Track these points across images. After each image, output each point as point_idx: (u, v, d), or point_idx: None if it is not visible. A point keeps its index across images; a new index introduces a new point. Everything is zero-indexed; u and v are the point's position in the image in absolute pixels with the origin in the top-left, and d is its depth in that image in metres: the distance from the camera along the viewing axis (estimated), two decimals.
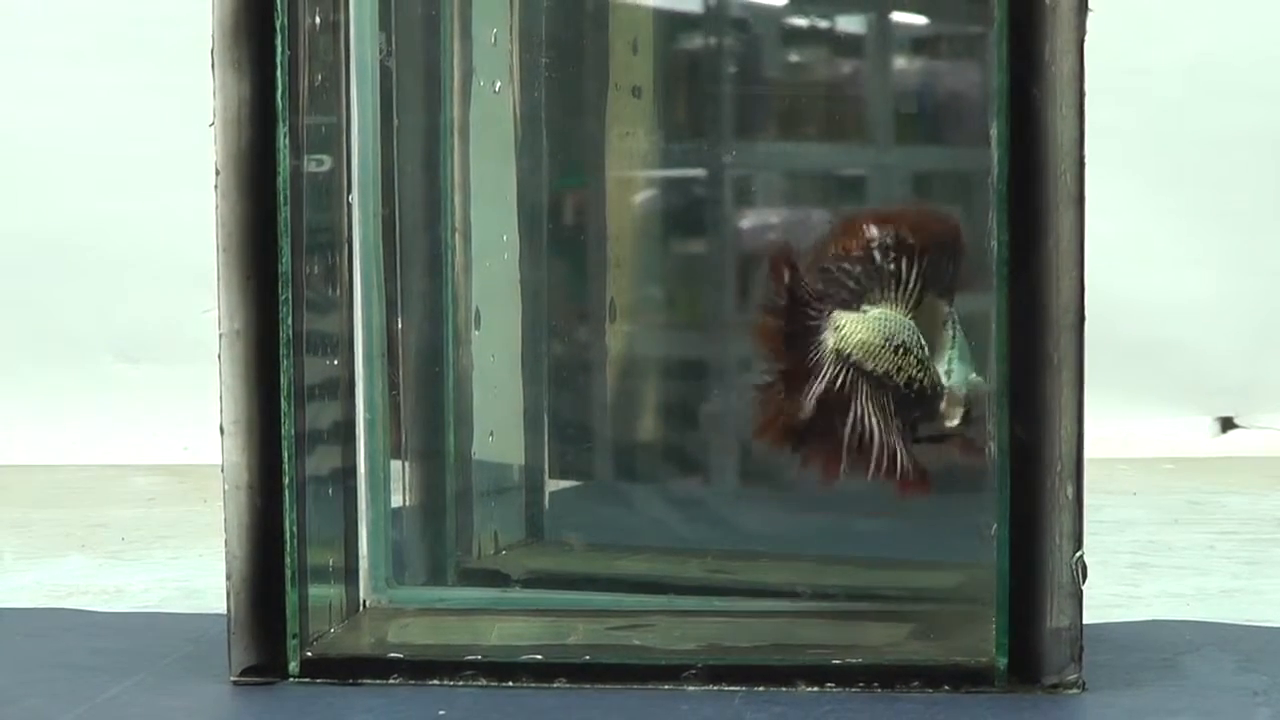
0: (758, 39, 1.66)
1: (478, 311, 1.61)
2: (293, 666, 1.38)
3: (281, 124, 1.35)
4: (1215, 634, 1.47)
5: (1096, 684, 1.32)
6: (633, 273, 1.67)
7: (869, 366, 1.39)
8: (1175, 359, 2.50)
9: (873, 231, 1.38)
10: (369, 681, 1.37)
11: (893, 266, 1.38)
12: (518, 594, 1.57)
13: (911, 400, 1.39)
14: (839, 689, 1.33)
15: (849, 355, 1.39)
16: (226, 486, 1.37)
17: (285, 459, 1.36)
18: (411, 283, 1.57)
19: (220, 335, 1.36)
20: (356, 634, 1.47)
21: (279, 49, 1.34)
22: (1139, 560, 1.83)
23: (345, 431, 1.49)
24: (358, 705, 1.33)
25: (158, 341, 2.56)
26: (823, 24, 1.65)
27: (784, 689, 1.33)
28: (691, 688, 1.34)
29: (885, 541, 1.57)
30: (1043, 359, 1.29)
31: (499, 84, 1.62)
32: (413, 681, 1.37)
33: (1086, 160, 1.29)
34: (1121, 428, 2.45)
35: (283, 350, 1.36)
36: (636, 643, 1.42)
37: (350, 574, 1.49)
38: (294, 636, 1.37)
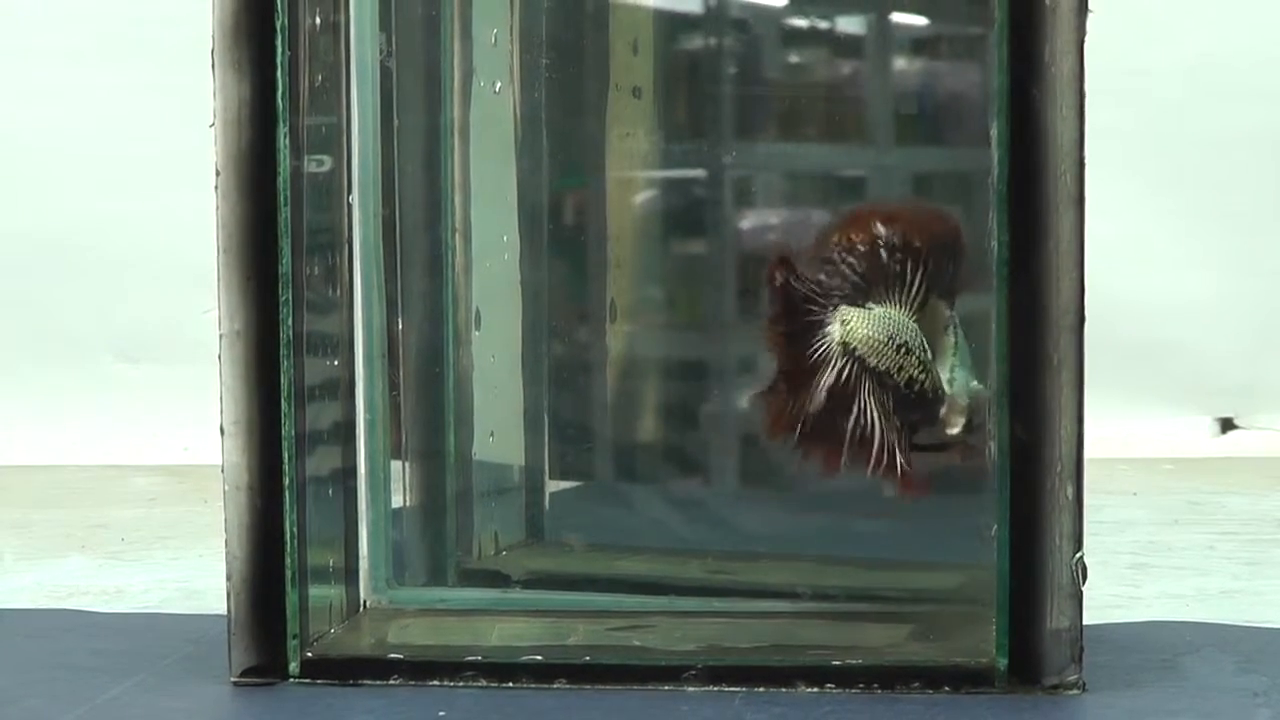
0: (758, 40, 1.67)
1: (478, 312, 1.61)
2: (293, 667, 1.38)
3: (282, 125, 1.35)
4: (1215, 635, 1.47)
5: (1096, 685, 1.32)
6: (633, 273, 1.67)
7: (872, 363, 1.39)
8: (1175, 360, 2.51)
9: (880, 229, 1.38)
10: (369, 682, 1.37)
11: (898, 267, 1.38)
12: (518, 595, 1.57)
13: (912, 401, 1.39)
14: (839, 690, 1.33)
15: (854, 349, 1.39)
16: (227, 487, 1.37)
17: (285, 460, 1.36)
18: (412, 283, 1.57)
19: (220, 336, 1.36)
20: (357, 635, 1.47)
21: (279, 50, 1.34)
22: (1139, 561, 1.83)
23: (345, 432, 1.49)
24: (358, 706, 1.33)
25: (158, 342, 2.56)
26: (823, 25, 1.65)
27: (784, 690, 1.33)
28: (692, 688, 1.34)
29: (885, 542, 1.57)
30: (1043, 359, 1.30)
31: (499, 84, 1.62)
32: (413, 682, 1.37)
33: (1086, 161, 1.29)
34: (1122, 428, 2.45)
35: (283, 351, 1.36)
36: (637, 643, 1.42)
37: (350, 574, 1.49)
38: (294, 637, 1.37)
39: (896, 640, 1.42)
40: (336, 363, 1.47)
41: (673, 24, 1.67)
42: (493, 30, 1.61)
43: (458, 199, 1.60)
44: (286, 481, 1.36)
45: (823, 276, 1.40)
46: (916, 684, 1.33)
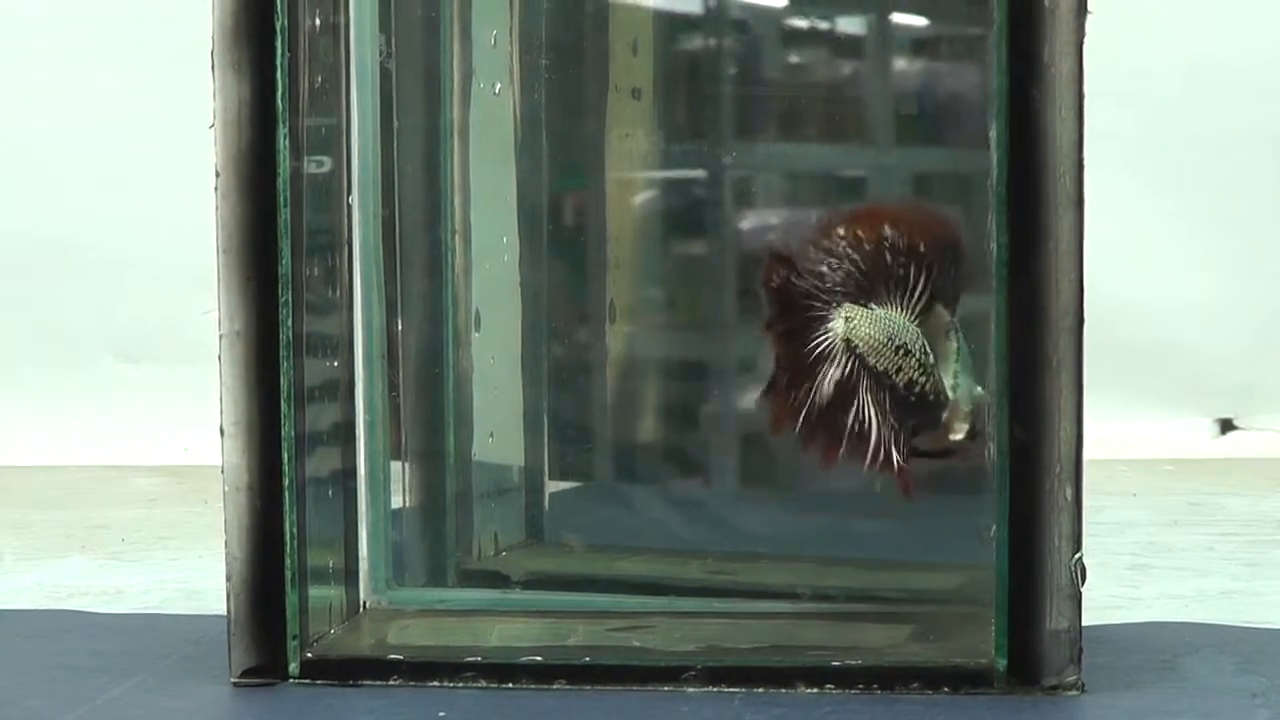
0: (758, 40, 1.67)
1: (478, 313, 1.61)
2: (293, 668, 1.38)
3: (281, 125, 1.35)
4: (1215, 636, 1.47)
5: (1096, 685, 1.32)
6: (632, 274, 1.67)
7: (871, 362, 1.39)
8: (1175, 361, 2.51)
9: (887, 231, 1.38)
10: (369, 683, 1.37)
11: (901, 271, 1.38)
12: (518, 595, 1.57)
13: (912, 404, 1.39)
14: (839, 690, 1.33)
15: (855, 347, 1.39)
16: (227, 488, 1.37)
17: (285, 460, 1.36)
18: (411, 284, 1.57)
19: (220, 336, 1.36)
20: (356, 635, 1.47)
21: (279, 51, 1.34)
22: (1138, 562, 1.83)
23: (345, 433, 1.49)
24: (358, 706, 1.33)
25: (158, 342, 2.56)
26: (823, 25, 1.65)
27: (784, 690, 1.33)
28: (691, 689, 1.34)
29: (885, 543, 1.57)
30: (1042, 360, 1.30)
31: (499, 86, 1.62)
32: (413, 683, 1.37)
33: (1086, 162, 1.29)
34: (1121, 429, 2.45)
35: (283, 352, 1.36)
36: (636, 644, 1.42)
37: (350, 575, 1.49)
38: (294, 638, 1.38)
39: (896, 641, 1.42)
40: (336, 364, 1.47)
41: (672, 25, 1.67)
42: (492, 31, 1.61)
43: (457, 200, 1.60)
44: (286, 482, 1.36)
45: (825, 269, 1.40)
46: (916, 685, 1.33)
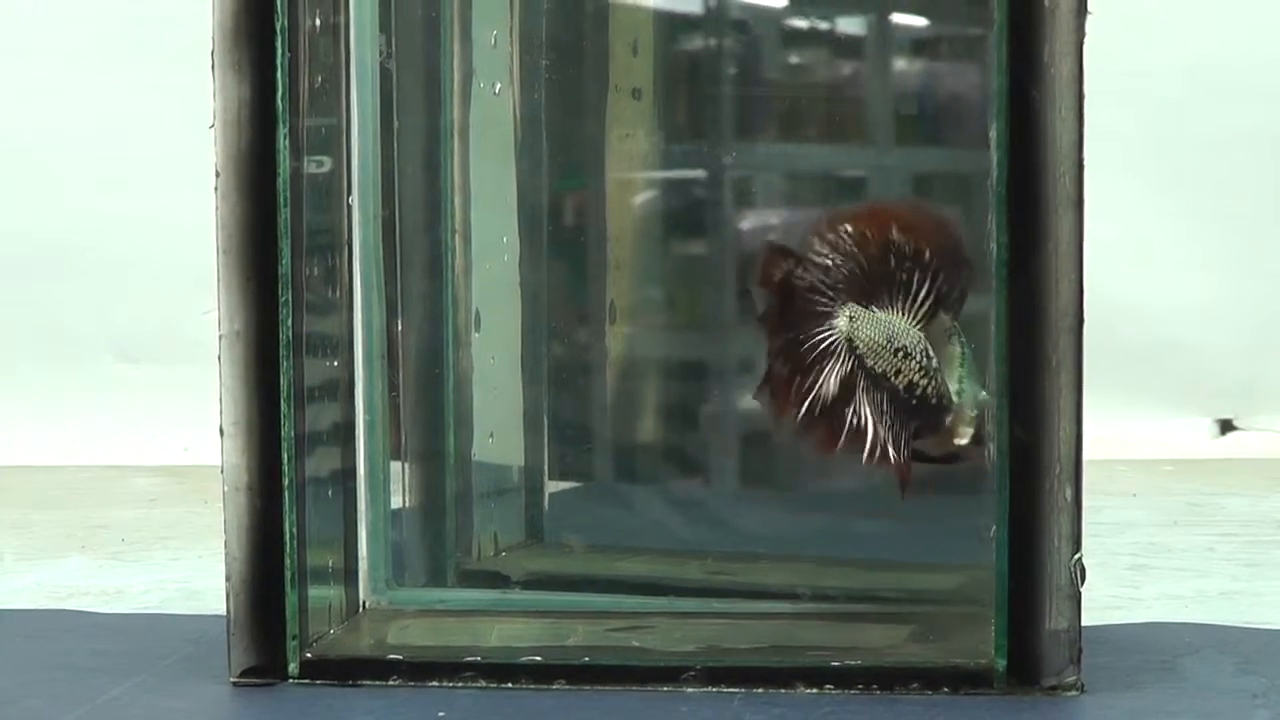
0: (758, 40, 1.67)
1: (478, 313, 1.61)
2: (292, 668, 1.38)
3: (281, 126, 1.35)
4: (1214, 636, 1.47)
5: (1096, 686, 1.32)
6: (633, 274, 1.67)
7: (869, 363, 1.39)
8: (1175, 361, 2.51)
9: (894, 234, 1.38)
10: (368, 683, 1.37)
11: (904, 276, 1.38)
12: (517, 595, 1.57)
13: (914, 407, 1.38)
14: (838, 691, 1.33)
15: (855, 347, 1.39)
16: (226, 488, 1.37)
17: (285, 460, 1.36)
18: (411, 284, 1.57)
19: (220, 337, 1.36)
20: (356, 635, 1.47)
21: (279, 51, 1.34)
22: (1138, 562, 1.83)
23: (345, 433, 1.49)
24: (357, 706, 1.33)
25: (158, 342, 2.56)
26: (823, 25, 1.65)
27: (783, 691, 1.33)
28: (691, 689, 1.34)
29: (885, 543, 1.57)
30: (1042, 361, 1.30)
31: (499, 86, 1.62)
32: (412, 683, 1.37)
33: (1085, 162, 1.29)
34: (1121, 429, 2.45)
35: (283, 352, 1.36)
36: (636, 644, 1.42)
37: (350, 575, 1.49)
38: (294, 638, 1.38)
39: (895, 641, 1.42)
40: (336, 364, 1.47)
41: (672, 25, 1.67)
42: (492, 32, 1.61)
43: (457, 200, 1.60)
44: (286, 482, 1.36)
45: (830, 265, 1.40)
46: (915, 685, 1.33)
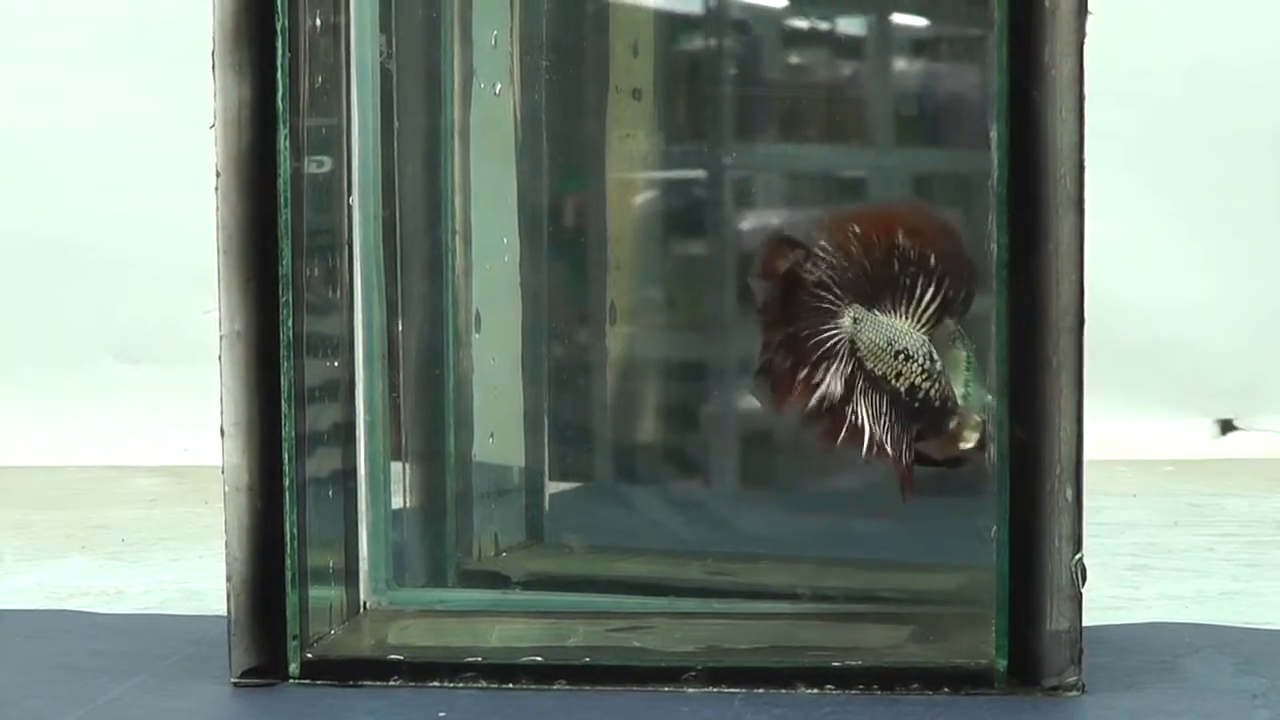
0: (758, 41, 1.67)
1: (478, 314, 1.61)
2: (293, 668, 1.38)
3: (282, 126, 1.35)
4: (1215, 636, 1.47)
5: (1096, 686, 1.32)
6: (633, 275, 1.67)
7: (869, 365, 1.39)
8: (1175, 361, 2.51)
9: (900, 239, 1.38)
10: (369, 683, 1.37)
11: (909, 280, 1.38)
12: (518, 596, 1.57)
13: (916, 409, 1.38)
14: (839, 691, 1.33)
15: (856, 349, 1.39)
16: (227, 488, 1.37)
17: (286, 461, 1.36)
18: (412, 285, 1.57)
19: (221, 337, 1.36)
20: (357, 635, 1.47)
21: (279, 51, 1.34)
22: (1139, 562, 1.83)
23: (346, 433, 1.49)
24: (358, 707, 1.33)
25: (158, 342, 2.56)
26: (823, 26, 1.65)
27: (784, 691, 1.33)
28: (691, 690, 1.34)
29: (885, 544, 1.57)
30: (1042, 361, 1.30)
31: (499, 86, 1.62)
32: (413, 683, 1.37)
33: (1086, 163, 1.29)
34: (1121, 430, 2.45)
35: (283, 352, 1.36)
36: (636, 645, 1.42)
37: (350, 576, 1.49)
38: (294, 638, 1.38)
39: (896, 641, 1.42)
40: (337, 364, 1.47)
41: (673, 26, 1.67)
42: (493, 32, 1.61)
43: (458, 201, 1.60)
44: (287, 483, 1.36)
45: (838, 263, 1.39)
46: (916, 685, 1.33)
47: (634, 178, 1.65)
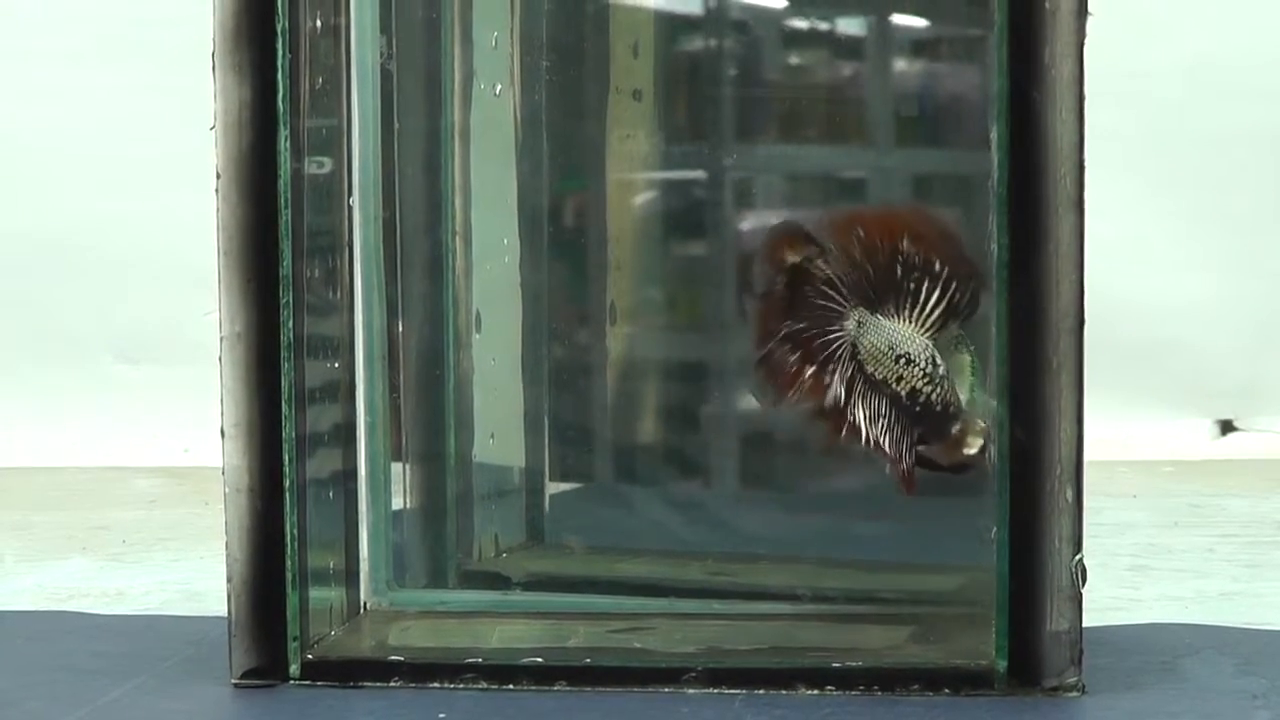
0: (758, 42, 1.67)
1: (478, 314, 1.61)
2: (293, 669, 1.38)
3: (282, 127, 1.35)
4: (1215, 637, 1.47)
5: (1096, 687, 1.32)
6: (633, 275, 1.67)
7: (869, 369, 1.39)
8: (1175, 361, 2.51)
9: (905, 246, 1.38)
10: (369, 684, 1.37)
11: (913, 285, 1.37)
12: (518, 597, 1.57)
13: (917, 413, 1.38)
14: (839, 692, 1.33)
15: (857, 352, 1.39)
16: (227, 489, 1.37)
17: (286, 462, 1.36)
18: (412, 286, 1.57)
19: (221, 338, 1.36)
20: (357, 636, 1.47)
21: (280, 52, 1.35)
22: (1139, 563, 1.83)
23: (346, 434, 1.49)
24: (358, 708, 1.33)
25: (158, 343, 2.56)
26: (823, 27, 1.65)
27: (784, 692, 1.33)
28: (692, 690, 1.34)
29: (885, 545, 1.57)
30: (1042, 362, 1.30)
31: (500, 87, 1.62)
32: (413, 684, 1.37)
33: (1086, 163, 1.29)
34: (1121, 430, 2.45)
35: (283, 353, 1.36)
36: (637, 645, 1.42)
37: (351, 576, 1.49)
38: (295, 639, 1.38)
39: (896, 642, 1.42)
40: (337, 365, 1.47)
41: (673, 26, 1.67)
42: (493, 33, 1.61)
43: (458, 201, 1.60)
44: (287, 484, 1.36)
45: (847, 263, 1.39)
46: (916, 686, 1.33)
47: (634, 178, 1.65)
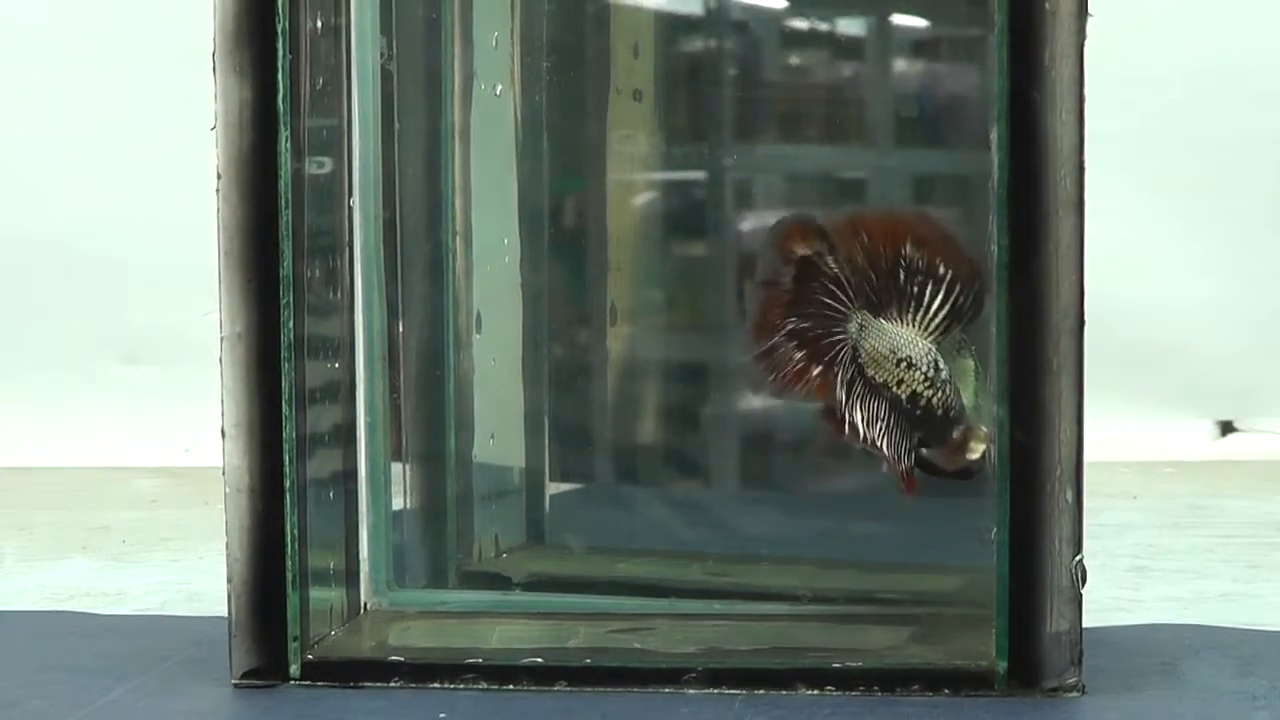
0: (758, 42, 1.67)
1: (479, 315, 1.61)
2: (294, 669, 1.38)
3: (283, 127, 1.35)
4: (1215, 638, 1.47)
5: (1096, 688, 1.32)
6: (633, 276, 1.67)
7: (870, 372, 1.39)
8: (1175, 362, 2.50)
9: (908, 250, 1.38)
10: (370, 684, 1.37)
11: (916, 289, 1.37)
12: (518, 597, 1.57)
13: (918, 417, 1.38)
14: (839, 692, 1.33)
15: (858, 355, 1.39)
16: (228, 489, 1.37)
17: (286, 462, 1.36)
18: (412, 286, 1.57)
19: (222, 338, 1.36)
20: (357, 637, 1.47)
21: (280, 53, 1.35)
22: (1139, 564, 1.83)
23: (346, 435, 1.49)
24: (359, 708, 1.33)
25: (159, 344, 2.56)
26: (823, 27, 1.65)
27: (784, 692, 1.33)
28: (692, 691, 1.34)
29: (886, 545, 1.57)
30: (1042, 363, 1.30)
31: (500, 88, 1.62)
32: (413, 684, 1.37)
33: (1086, 165, 1.29)
34: (1121, 431, 2.45)
35: (284, 353, 1.36)
36: (637, 646, 1.42)
37: (351, 577, 1.49)
38: (295, 639, 1.38)
39: (896, 643, 1.42)
40: (337, 365, 1.47)
41: (673, 27, 1.67)
42: (493, 33, 1.61)
43: (458, 202, 1.60)
44: (287, 484, 1.37)
45: (855, 265, 1.39)
46: (916, 687, 1.33)
47: (634, 179, 1.65)
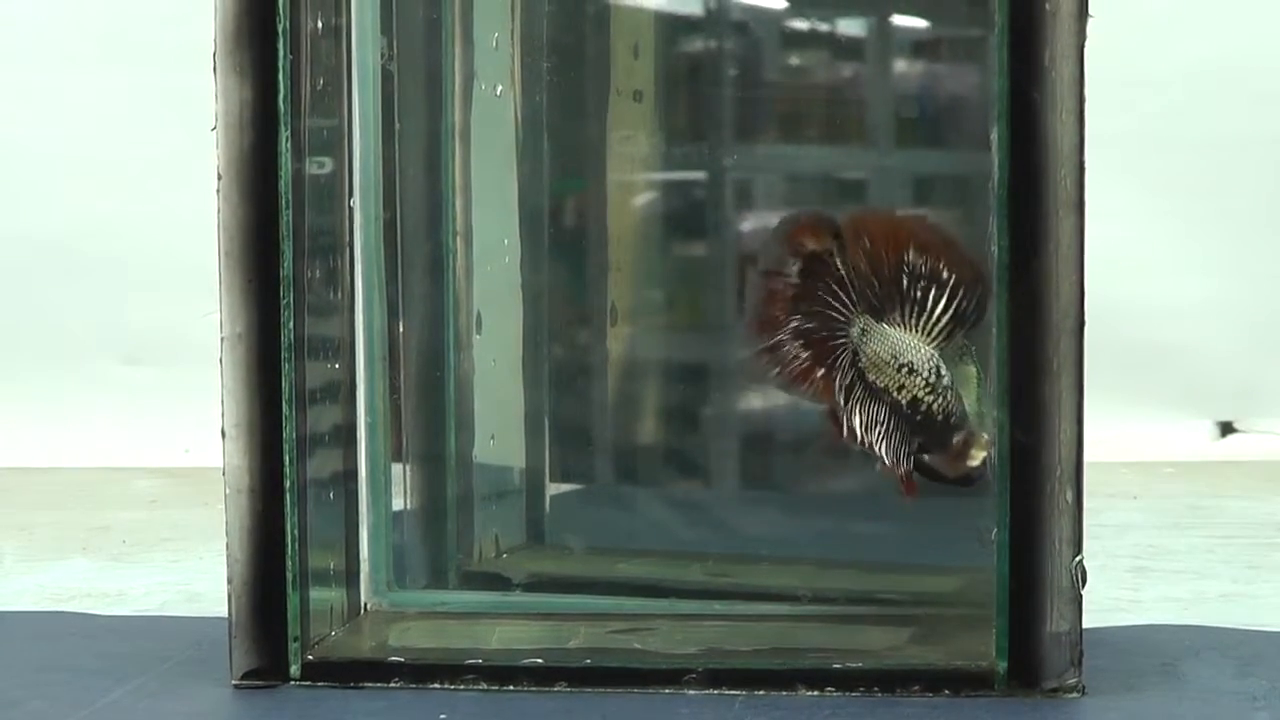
0: (758, 43, 1.67)
1: (479, 315, 1.61)
2: (294, 670, 1.38)
3: (283, 128, 1.35)
4: (1215, 638, 1.47)
5: (1096, 688, 1.32)
6: (633, 276, 1.67)
7: (870, 377, 1.39)
8: (1175, 363, 2.50)
9: (910, 256, 1.37)
10: (370, 685, 1.37)
11: (919, 294, 1.37)
12: (518, 597, 1.57)
13: (918, 423, 1.38)
14: (839, 693, 1.33)
15: (858, 360, 1.39)
16: (228, 490, 1.37)
17: (286, 462, 1.36)
18: (413, 286, 1.57)
19: (222, 339, 1.36)
20: (357, 637, 1.47)
21: (281, 53, 1.35)
22: (1139, 564, 1.83)
23: (346, 435, 1.49)
24: (359, 709, 1.33)
25: (159, 344, 2.56)
26: (823, 28, 1.65)
27: (784, 693, 1.33)
28: (692, 691, 1.34)
29: (886, 546, 1.57)
30: (1043, 363, 1.30)
31: (500, 88, 1.62)
32: (414, 685, 1.37)
33: (1086, 165, 1.29)
34: (1122, 431, 2.45)
35: (284, 354, 1.36)
36: (637, 646, 1.42)
37: (351, 577, 1.49)
38: (295, 640, 1.38)
39: (897, 643, 1.42)
40: (337, 366, 1.47)
41: (673, 27, 1.67)
42: (494, 34, 1.61)
43: (459, 202, 1.60)
44: (287, 484, 1.37)
45: (859, 268, 1.39)
46: (916, 687, 1.33)
47: (635, 179, 1.65)
